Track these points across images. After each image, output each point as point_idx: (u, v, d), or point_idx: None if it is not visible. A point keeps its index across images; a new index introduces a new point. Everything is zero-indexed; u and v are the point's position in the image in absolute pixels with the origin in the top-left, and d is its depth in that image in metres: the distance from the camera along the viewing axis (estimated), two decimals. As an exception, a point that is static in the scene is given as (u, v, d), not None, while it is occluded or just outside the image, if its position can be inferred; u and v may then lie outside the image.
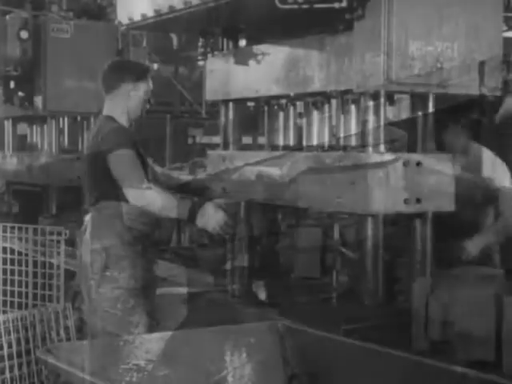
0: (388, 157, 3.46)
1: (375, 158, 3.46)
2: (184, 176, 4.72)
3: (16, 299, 5.06)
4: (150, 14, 4.25)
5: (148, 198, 3.92)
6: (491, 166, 4.55)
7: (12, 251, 5.10)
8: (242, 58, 4.34)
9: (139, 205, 3.94)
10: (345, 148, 3.80)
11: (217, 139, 7.22)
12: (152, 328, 3.93)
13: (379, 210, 3.46)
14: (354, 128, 3.78)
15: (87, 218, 4.15)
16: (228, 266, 4.25)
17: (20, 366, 4.43)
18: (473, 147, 4.65)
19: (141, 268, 4.04)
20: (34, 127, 7.26)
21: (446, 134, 4.46)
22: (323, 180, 3.65)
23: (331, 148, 3.97)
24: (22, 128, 7.61)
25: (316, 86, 3.84)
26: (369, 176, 3.42)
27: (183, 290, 3.99)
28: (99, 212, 4.06)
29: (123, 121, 4.18)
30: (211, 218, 3.93)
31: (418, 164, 3.50)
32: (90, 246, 4.05)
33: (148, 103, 4.24)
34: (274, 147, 4.31)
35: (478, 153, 4.60)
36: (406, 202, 3.46)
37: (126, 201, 3.97)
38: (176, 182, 4.51)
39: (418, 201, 3.49)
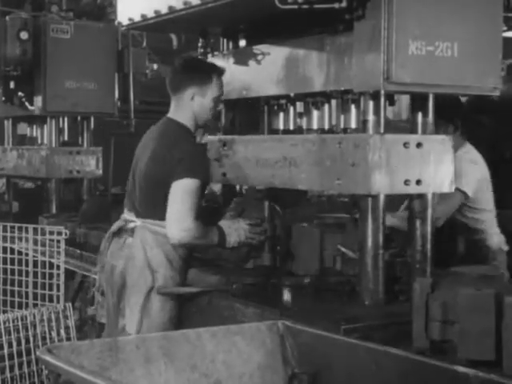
0: (388, 137, 3.47)
1: (375, 138, 3.46)
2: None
3: (16, 299, 5.08)
4: (150, 14, 4.25)
5: (192, 238, 3.80)
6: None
7: (12, 251, 5.12)
8: (241, 58, 4.35)
9: (179, 243, 3.83)
10: (345, 130, 3.81)
11: (217, 139, 7.24)
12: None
13: (379, 190, 3.47)
14: (353, 116, 3.78)
15: (130, 225, 3.98)
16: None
17: (20, 365, 4.45)
18: (466, 148, 4.78)
19: (182, 285, 3.97)
20: (34, 127, 7.26)
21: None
22: (323, 162, 3.65)
23: (331, 131, 3.97)
24: (22, 128, 7.62)
25: (316, 86, 3.85)
26: (369, 157, 3.42)
27: (184, 290, 3.99)
28: (148, 228, 3.91)
29: (190, 126, 4.03)
30: (237, 231, 3.96)
31: (419, 145, 3.51)
32: (135, 260, 3.89)
33: (218, 106, 4.09)
34: (274, 131, 4.30)
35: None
36: (406, 183, 3.47)
37: None
38: None
39: (418, 182, 3.50)
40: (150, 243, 3.88)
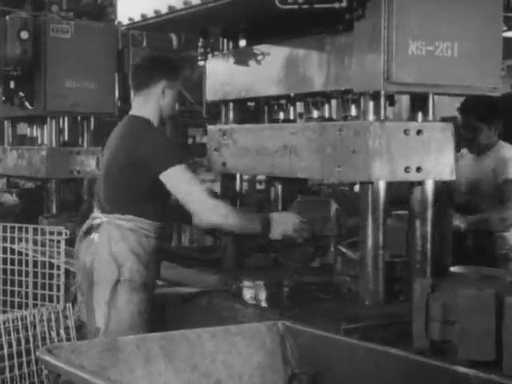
0: (389, 124, 3.47)
1: (376, 125, 3.46)
2: None
3: (16, 299, 5.07)
4: (150, 14, 4.25)
5: (221, 215, 3.82)
6: (504, 158, 4.89)
7: (12, 251, 5.11)
8: (242, 58, 4.35)
9: (211, 223, 3.90)
10: (345, 118, 3.81)
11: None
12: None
13: (379, 177, 3.47)
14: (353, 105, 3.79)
15: (96, 221, 3.99)
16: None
17: (20, 365, 4.43)
18: (500, 145, 4.87)
19: (151, 279, 3.97)
20: (34, 127, 7.26)
21: (477, 134, 4.84)
22: (323, 149, 3.64)
23: (331, 119, 3.98)
24: (22, 128, 7.61)
25: (316, 86, 3.84)
26: (369, 144, 3.42)
27: (183, 290, 3.99)
28: (112, 223, 3.92)
29: (154, 121, 4.04)
30: (286, 224, 3.90)
31: (419, 132, 3.51)
32: (100, 255, 3.90)
33: (179, 102, 4.17)
34: (274, 120, 4.30)
35: (504, 150, 4.97)
36: (406, 170, 3.47)
37: (145, 216, 3.89)
38: None
39: (419, 169, 3.50)
40: (115, 237, 3.89)
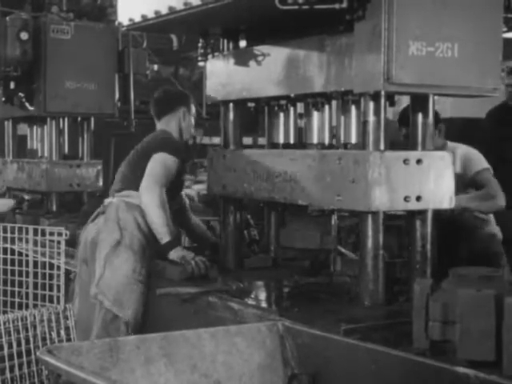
0: (388, 154, 3.47)
1: (375, 155, 3.46)
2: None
3: (16, 299, 5.08)
4: (151, 15, 4.25)
5: (149, 200, 4.27)
6: (468, 155, 4.86)
7: (12, 251, 5.12)
8: (242, 59, 4.35)
9: (143, 200, 4.29)
10: (345, 146, 3.80)
11: (217, 140, 7.25)
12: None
13: (379, 207, 3.47)
14: (354, 129, 3.79)
15: (105, 203, 4.51)
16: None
17: (20, 366, 4.44)
18: (450, 147, 4.78)
19: (149, 250, 4.35)
20: (34, 128, 7.26)
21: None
22: (323, 177, 3.65)
23: (331, 146, 3.98)
24: (22, 129, 7.61)
25: (316, 86, 3.85)
26: (369, 173, 3.42)
27: (183, 290, 3.99)
28: (121, 198, 4.41)
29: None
30: (186, 256, 4.23)
31: (418, 161, 3.51)
32: (107, 221, 4.35)
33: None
34: (274, 145, 4.32)
35: (458, 150, 4.79)
36: (406, 199, 3.47)
37: None
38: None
39: (419, 198, 3.50)
40: (122, 208, 4.39)
